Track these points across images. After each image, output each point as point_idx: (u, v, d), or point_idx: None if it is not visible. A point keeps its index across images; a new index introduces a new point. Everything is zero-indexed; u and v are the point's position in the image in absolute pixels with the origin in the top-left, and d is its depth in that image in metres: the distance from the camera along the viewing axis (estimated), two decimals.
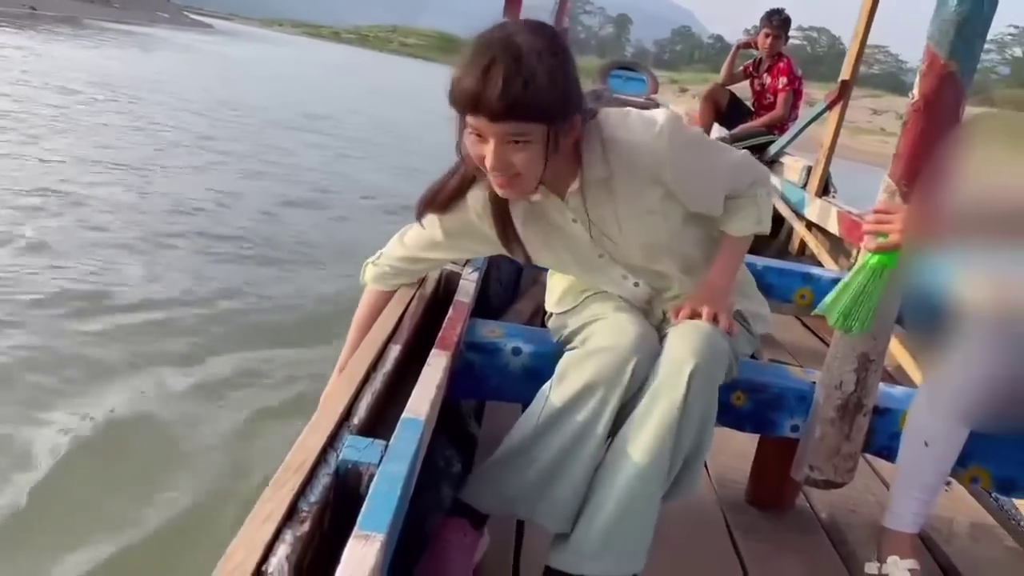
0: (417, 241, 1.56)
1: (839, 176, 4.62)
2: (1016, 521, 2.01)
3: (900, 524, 1.60)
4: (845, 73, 4.29)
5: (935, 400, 1.56)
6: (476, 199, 1.44)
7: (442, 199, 1.45)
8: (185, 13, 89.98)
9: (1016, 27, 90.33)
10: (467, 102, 1.19)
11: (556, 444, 1.35)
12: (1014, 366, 1.37)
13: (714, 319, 1.40)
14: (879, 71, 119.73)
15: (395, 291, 1.65)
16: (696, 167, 1.43)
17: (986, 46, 1.76)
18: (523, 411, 1.43)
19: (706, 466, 1.99)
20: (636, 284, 1.54)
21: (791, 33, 5.49)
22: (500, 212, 1.42)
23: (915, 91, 1.49)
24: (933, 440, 1.56)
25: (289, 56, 40.38)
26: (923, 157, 1.47)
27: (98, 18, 42.36)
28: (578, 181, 1.38)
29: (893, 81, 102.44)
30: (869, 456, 1.78)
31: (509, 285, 3.34)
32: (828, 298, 1.55)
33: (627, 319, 1.45)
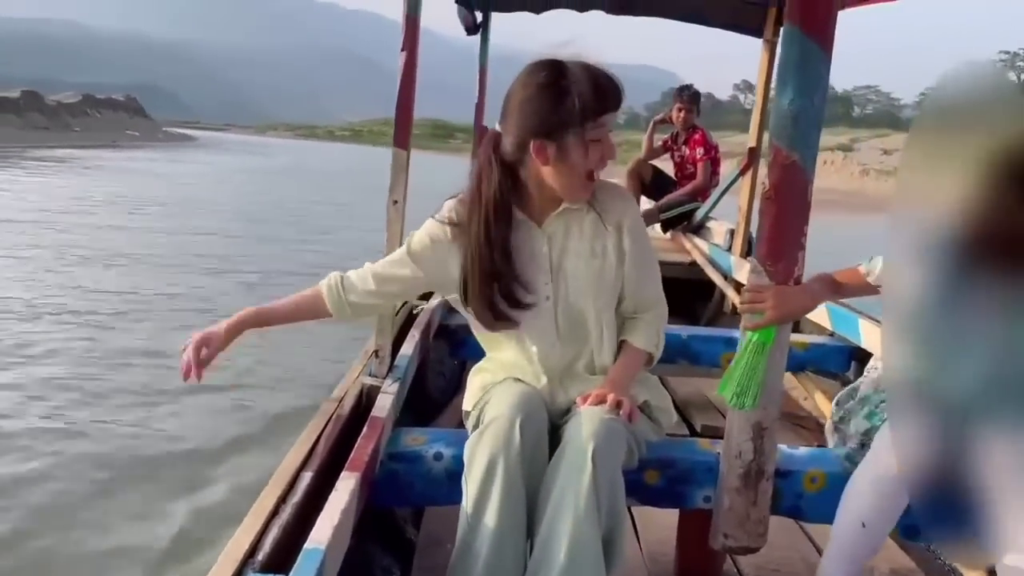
0: (384, 262, 1.70)
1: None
2: (938, 557, 2.09)
3: None
4: (751, 140, 4.52)
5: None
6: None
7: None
8: (165, 129, 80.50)
9: (1007, 52, 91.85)
10: (608, 99, 1.48)
11: (489, 525, 1.43)
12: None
13: (617, 405, 1.52)
14: (872, 111, 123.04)
15: (326, 302, 1.69)
16: (641, 248, 1.68)
17: None
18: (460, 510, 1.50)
19: (640, 546, 2.06)
20: (554, 344, 1.66)
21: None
22: (502, 234, 1.59)
23: (766, 181, 1.64)
24: (871, 521, 1.62)
25: (244, 165, 36.64)
26: (781, 239, 1.62)
27: (52, 145, 37.54)
28: (560, 207, 1.61)
29: (890, 118, 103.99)
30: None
31: (453, 379, 3.41)
32: (724, 378, 1.67)
33: (511, 388, 1.59)
